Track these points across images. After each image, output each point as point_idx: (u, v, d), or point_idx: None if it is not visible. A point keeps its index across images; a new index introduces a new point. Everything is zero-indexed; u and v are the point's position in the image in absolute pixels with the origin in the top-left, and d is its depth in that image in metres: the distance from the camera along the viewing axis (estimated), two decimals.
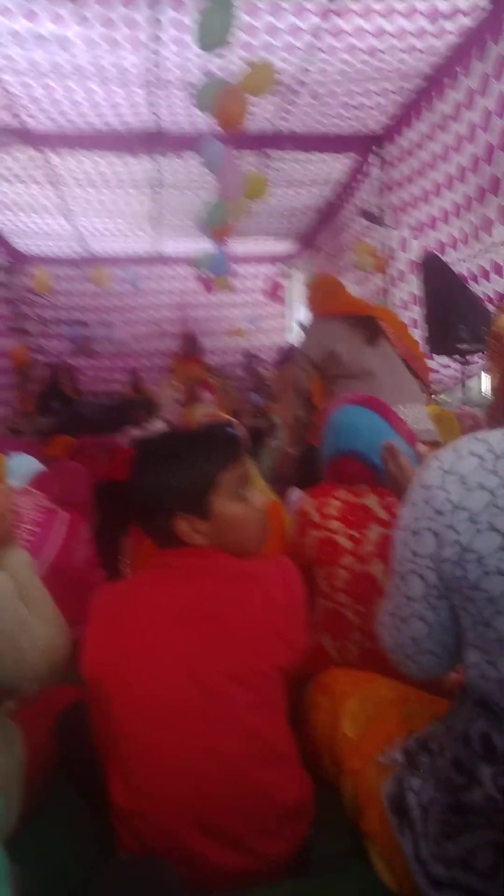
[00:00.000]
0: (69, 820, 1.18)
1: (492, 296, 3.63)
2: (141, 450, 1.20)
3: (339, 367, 2.66)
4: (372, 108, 4.64)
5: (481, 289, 3.70)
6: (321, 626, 1.51)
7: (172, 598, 1.09)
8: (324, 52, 3.85)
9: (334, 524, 1.50)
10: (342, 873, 1.02)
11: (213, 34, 2.69)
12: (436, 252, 4.14)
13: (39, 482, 2.18)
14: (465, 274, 3.83)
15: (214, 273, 4.86)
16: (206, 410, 2.42)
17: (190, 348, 7.78)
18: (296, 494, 2.60)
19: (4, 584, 1.14)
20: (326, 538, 1.50)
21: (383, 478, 1.49)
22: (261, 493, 1.24)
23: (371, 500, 1.52)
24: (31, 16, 3.36)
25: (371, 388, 2.45)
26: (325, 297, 2.97)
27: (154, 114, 4.61)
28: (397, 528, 0.96)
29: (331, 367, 2.68)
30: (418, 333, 4.71)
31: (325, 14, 3.47)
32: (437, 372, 4.82)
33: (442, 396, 4.87)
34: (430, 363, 4.78)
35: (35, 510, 1.86)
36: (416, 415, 2.45)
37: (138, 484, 1.13)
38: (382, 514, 1.49)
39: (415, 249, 4.69)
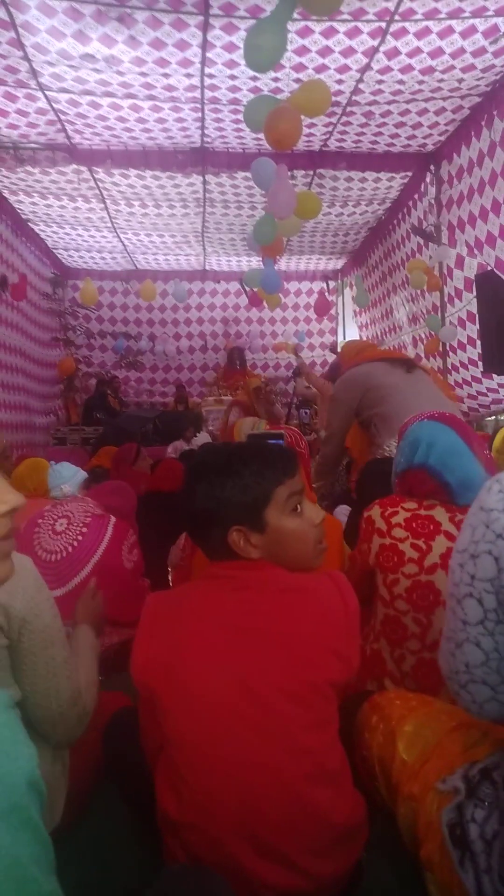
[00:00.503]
0: (114, 826, 1.18)
1: None
2: (195, 462, 1.21)
3: (379, 390, 2.76)
4: (428, 126, 4.67)
5: None
6: (379, 633, 1.52)
7: (222, 608, 1.10)
8: (379, 72, 3.90)
9: (400, 532, 1.51)
10: None
11: (265, 55, 2.72)
12: (494, 269, 4.10)
13: (93, 494, 2.26)
14: None
15: (268, 291, 4.91)
16: (254, 424, 2.45)
17: (236, 362, 7.88)
18: (343, 511, 2.60)
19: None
20: (390, 545, 1.51)
21: (455, 495, 1.48)
22: (317, 509, 1.24)
23: (439, 514, 1.52)
24: (79, 35, 3.50)
25: (410, 402, 2.58)
26: (360, 351, 3.10)
27: (202, 132, 4.73)
28: (455, 550, 0.94)
29: (372, 395, 2.77)
30: (475, 352, 4.67)
31: (380, 35, 3.53)
32: (495, 391, 4.75)
33: (503, 417, 4.80)
34: (488, 382, 4.73)
35: (84, 514, 1.92)
36: None
37: (193, 496, 1.15)
38: (450, 528, 1.50)
39: (472, 267, 4.67)
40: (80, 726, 1.18)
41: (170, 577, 2.24)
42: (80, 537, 1.84)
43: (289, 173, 4.03)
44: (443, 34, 3.55)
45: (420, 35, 3.55)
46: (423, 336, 5.92)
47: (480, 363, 3.98)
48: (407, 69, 3.88)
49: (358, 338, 8.12)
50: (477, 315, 4.00)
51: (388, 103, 4.32)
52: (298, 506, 1.17)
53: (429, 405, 2.50)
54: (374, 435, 2.82)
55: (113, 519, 1.95)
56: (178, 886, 0.83)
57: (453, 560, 0.94)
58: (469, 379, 5.07)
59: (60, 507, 1.96)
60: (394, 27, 3.47)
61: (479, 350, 4.12)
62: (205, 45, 3.61)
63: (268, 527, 1.13)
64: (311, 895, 0.99)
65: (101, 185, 5.50)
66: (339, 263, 8.28)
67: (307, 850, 0.99)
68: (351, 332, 8.53)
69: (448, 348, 5.29)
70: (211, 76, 3.94)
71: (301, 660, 1.05)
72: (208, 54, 3.70)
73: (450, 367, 5.34)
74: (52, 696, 1.12)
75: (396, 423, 2.59)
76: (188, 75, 3.93)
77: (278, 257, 5.63)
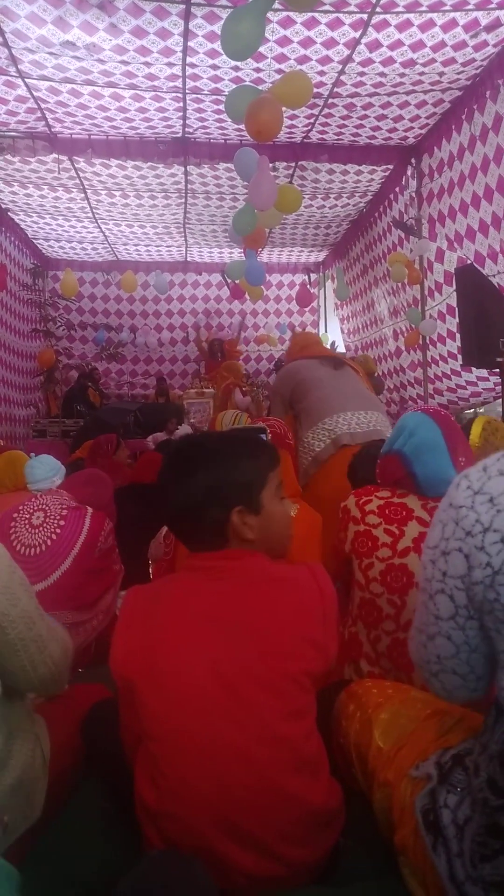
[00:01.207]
0: (94, 816, 1.19)
1: None
2: (189, 445, 1.21)
3: (304, 385, 2.89)
4: (409, 119, 4.68)
5: None
6: (356, 616, 1.56)
7: (199, 599, 1.11)
8: (360, 64, 3.90)
9: (373, 519, 1.55)
10: (371, 886, 1.01)
11: (242, 43, 2.69)
12: (473, 263, 4.13)
13: (67, 486, 2.26)
14: None
15: (252, 283, 4.90)
16: (235, 417, 2.45)
17: (217, 354, 7.86)
18: None
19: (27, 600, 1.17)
20: (365, 531, 1.56)
21: (420, 488, 1.51)
22: (289, 502, 1.28)
23: (412, 501, 1.57)
24: (59, 22, 3.44)
25: (329, 395, 2.78)
26: (302, 347, 3.23)
27: (184, 122, 4.69)
28: (426, 545, 0.95)
29: (299, 390, 2.92)
30: (454, 345, 4.70)
31: (362, 27, 3.52)
32: (474, 384, 4.80)
33: (481, 410, 4.85)
34: (467, 375, 4.77)
35: (61, 507, 1.91)
36: (377, 419, 2.76)
37: (193, 477, 1.14)
38: (423, 514, 1.54)
39: (451, 261, 4.70)
40: (68, 670, 1.25)
41: (150, 570, 2.24)
42: (58, 530, 1.84)
43: (270, 165, 4.02)
44: (424, 27, 3.55)
45: (401, 28, 3.55)
46: (403, 329, 5.95)
47: (460, 356, 4.01)
48: (388, 62, 3.88)
49: (340, 330, 8.15)
50: (456, 309, 4.03)
51: (370, 96, 4.32)
52: (280, 492, 1.23)
53: (347, 400, 2.75)
54: (297, 429, 2.91)
55: (90, 510, 1.95)
56: (157, 871, 0.84)
57: (425, 555, 0.95)
58: (448, 372, 5.12)
59: (36, 501, 1.95)
60: (375, 19, 3.46)
61: (458, 343, 4.16)
62: (186, 34, 3.57)
63: (262, 509, 1.16)
64: (287, 881, 1.01)
65: (81, 174, 5.43)
66: (320, 256, 8.29)
67: (284, 837, 1.01)
68: (332, 324, 8.55)
69: (428, 341, 5.33)
70: (193, 65, 3.91)
71: (277, 650, 1.06)
72: (190, 43, 3.66)
73: (430, 360, 5.38)
74: (49, 663, 1.17)
75: (315, 416, 2.71)
76: (170, 64, 3.89)
77: (260, 250, 5.61)
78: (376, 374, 6.14)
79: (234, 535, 1.14)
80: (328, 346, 5.93)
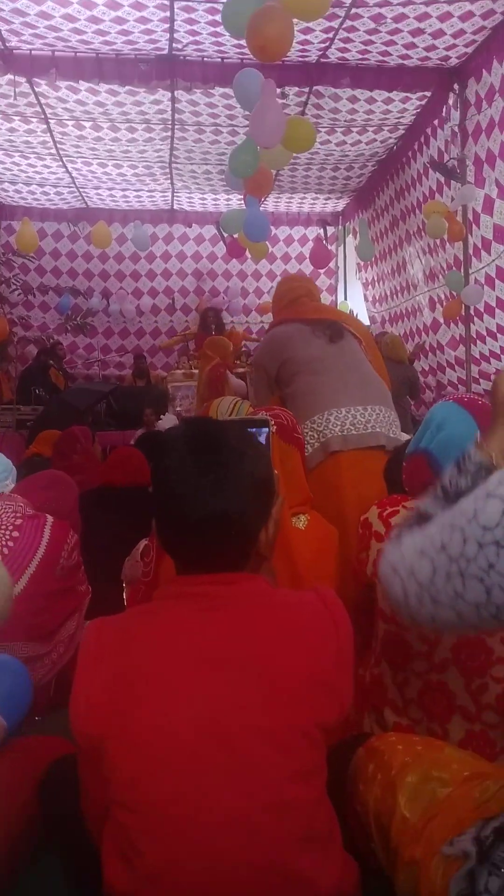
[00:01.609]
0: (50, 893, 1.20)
1: None
2: (203, 433, 1.17)
3: (292, 364, 2.83)
4: (452, 35, 4.67)
5: None
6: (380, 655, 1.56)
7: (188, 634, 1.11)
8: None
9: None
10: None
11: None
12: None
13: (22, 489, 2.27)
14: None
15: (252, 239, 4.89)
16: (234, 405, 2.45)
17: (210, 327, 7.86)
18: None
19: None
20: None
21: None
22: None
23: None
24: None
25: (321, 382, 2.70)
26: (292, 301, 3.12)
27: (171, 36, 4.68)
28: (472, 518, 0.95)
29: (287, 371, 2.86)
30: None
31: None
32: None
33: None
34: None
35: (14, 516, 1.93)
36: (378, 417, 2.67)
37: (233, 472, 1.11)
38: None
39: (502, 212, 4.70)
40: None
41: (125, 595, 2.26)
42: (10, 543, 1.85)
43: (278, 91, 4.02)
44: None
45: None
46: (441, 297, 5.96)
47: None
48: None
49: (363, 298, 8.15)
50: None
51: (403, 5, 4.30)
52: None
53: (343, 390, 2.67)
54: None
55: (51, 519, 1.97)
56: None
57: (469, 528, 0.95)
58: (497, 351, 5.13)
59: None
60: None
61: None
62: None
63: (272, 519, 1.21)
64: None
65: (43, 100, 5.44)
66: (339, 205, 8.30)
67: None
68: (354, 290, 8.57)
69: (472, 312, 5.33)
70: None
71: (284, 696, 1.07)
72: None
73: (474, 335, 5.39)
74: None
75: (302, 412, 2.64)
76: None
77: (264, 197, 5.61)
78: (408, 364, 6.01)
79: (259, 552, 1.16)
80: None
